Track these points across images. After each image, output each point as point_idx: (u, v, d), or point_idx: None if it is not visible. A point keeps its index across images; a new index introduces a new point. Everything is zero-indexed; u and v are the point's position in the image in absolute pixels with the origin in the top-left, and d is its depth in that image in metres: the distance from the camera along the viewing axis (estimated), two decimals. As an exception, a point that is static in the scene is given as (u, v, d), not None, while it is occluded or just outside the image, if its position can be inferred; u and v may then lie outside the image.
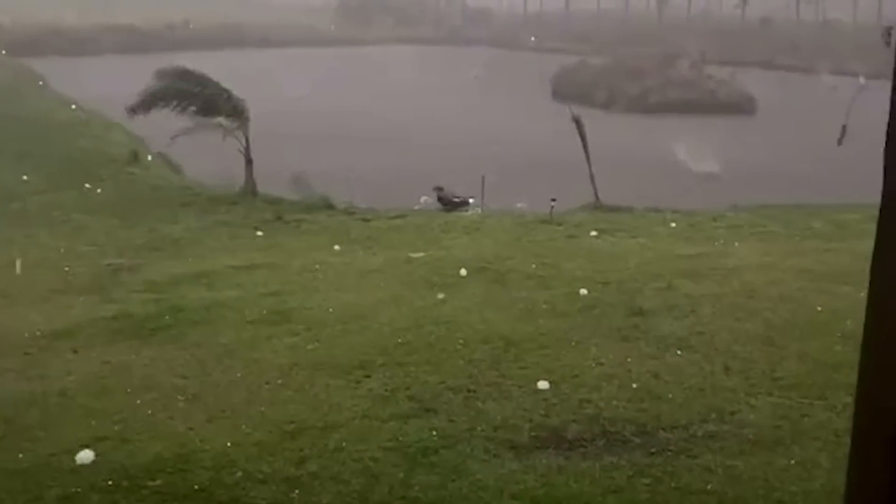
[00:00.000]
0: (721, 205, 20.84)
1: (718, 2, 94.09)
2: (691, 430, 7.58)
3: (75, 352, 9.99)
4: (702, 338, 9.75)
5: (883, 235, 3.44)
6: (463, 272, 12.88)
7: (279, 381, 8.81)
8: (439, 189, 22.05)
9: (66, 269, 14.63)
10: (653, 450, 7.26)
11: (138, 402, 8.39)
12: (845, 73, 46.73)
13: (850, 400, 7.90)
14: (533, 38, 78.07)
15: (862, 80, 26.01)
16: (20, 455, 7.36)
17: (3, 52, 58.18)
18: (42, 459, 7.29)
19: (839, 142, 20.36)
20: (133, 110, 22.61)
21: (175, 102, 22.02)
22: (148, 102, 22.23)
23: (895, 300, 3.30)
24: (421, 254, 14.65)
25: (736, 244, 15.73)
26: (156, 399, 8.46)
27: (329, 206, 20.59)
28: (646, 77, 49.27)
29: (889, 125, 3.35)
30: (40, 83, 46.18)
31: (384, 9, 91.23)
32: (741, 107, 45.63)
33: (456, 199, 21.97)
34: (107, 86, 35.95)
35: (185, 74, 22.84)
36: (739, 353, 9.27)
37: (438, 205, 21.89)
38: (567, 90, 46.98)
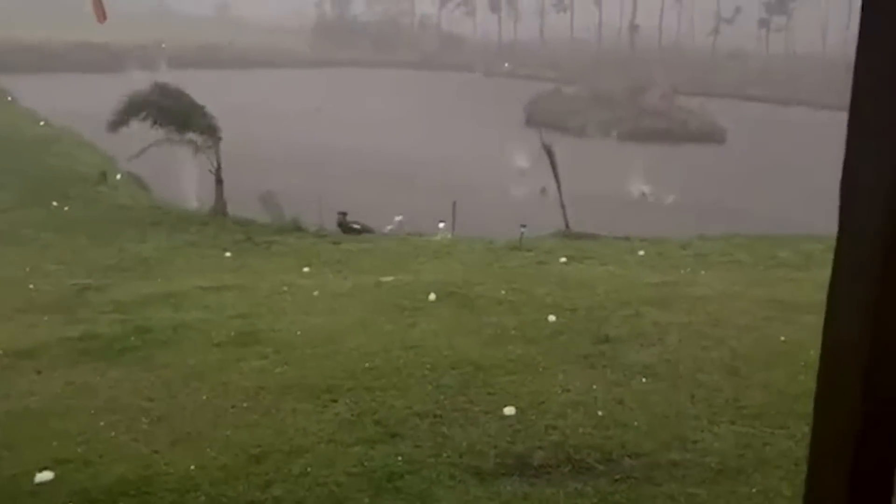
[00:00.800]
0: (689, 233, 21.08)
1: (690, 33, 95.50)
2: (655, 457, 7.63)
3: (39, 372, 9.86)
4: (668, 366, 9.83)
5: (838, 265, 3.54)
6: (432, 297, 12.91)
7: (245, 405, 8.75)
8: (342, 214, 21.36)
9: (32, 287, 14.47)
10: (617, 477, 7.29)
11: (102, 423, 8.29)
12: (814, 105, 47.58)
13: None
14: (507, 65, 78.76)
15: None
16: (-21, 476, 7.25)
17: (-27, 67, 57.75)
18: (2, 480, 7.18)
19: None
20: (114, 125, 22.46)
21: (149, 114, 21.93)
22: (126, 115, 22.13)
23: (847, 332, 3.40)
24: (390, 278, 14.66)
25: (703, 273, 15.91)
26: (120, 421, 8.37)
27: (299, 228, 20.59)
28: (618, 106, 49.92)
29: (845, 160, 3.46)
30: (9, 99, 45.82)
31: (360, 32, 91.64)
32: (711, 136, 46.37)
33: (356, 227, 21.20)
34: (77, 103, 35.78)
35: (160, 88, 22.80)
36: (704, 382, 9.35)
37: (406, 228, 21.90)
38: (540, 117, 47.47)
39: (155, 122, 21.85)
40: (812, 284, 13.02)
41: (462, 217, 21.68)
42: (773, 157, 38.25)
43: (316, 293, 13.55)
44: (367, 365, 9.84)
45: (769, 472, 7.37)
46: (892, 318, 3.35)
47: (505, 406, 8.61)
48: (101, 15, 5.02)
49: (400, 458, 7.57)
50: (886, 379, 3.42)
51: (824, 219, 3.52)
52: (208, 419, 8.44)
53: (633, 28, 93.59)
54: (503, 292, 13.48)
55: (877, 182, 3.29)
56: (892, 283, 3.31)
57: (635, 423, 8.31)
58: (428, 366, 9.80)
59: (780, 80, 68.09)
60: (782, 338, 10.84)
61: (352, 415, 8.52)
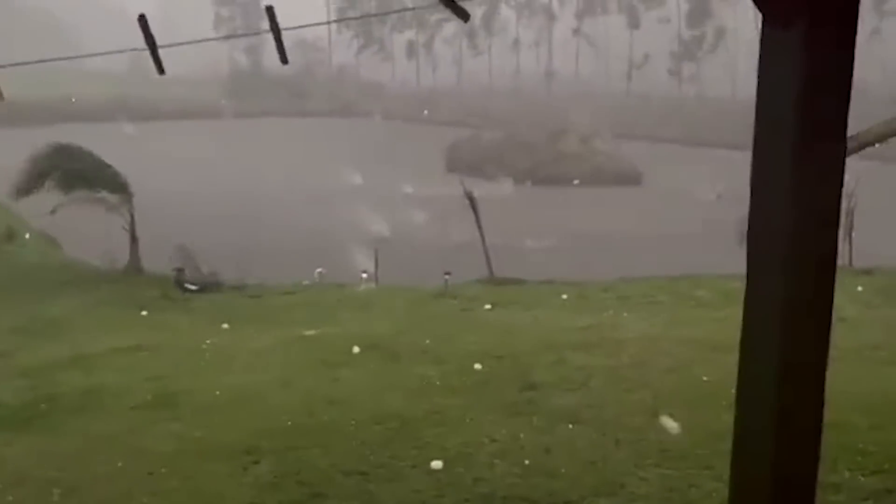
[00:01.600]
0: (610, 276, 21.32)
1: (605, 77, 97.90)
2: (583, 504, 7.58)
3: (-60, 446, 9.35)
4: (592, 410, 9.84)
5: (748, 301, 3.62)
6: (356, 350, 12.74)
7: (163, 470, 8.43)
8: (179, 271, 20.22)
9: (-66, 354, 13.78)
10: (547, 527, 7.21)
11: (10, 498, 7.89)
12: (727, 146, 49.08)
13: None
14: (426, 112, 79.40)
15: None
16: None
17: None
18: None
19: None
20: (18, 194, 21.77)
21: (55, 177, 21.28)
22: (31, 181, 21.45)
23: (760, 368, 3.47)
24: (313, 331, 14.43)
25: (625, 314, 16.06)
26: (28, 494, 7.99)
27: (217, 283, 20.13)
28: (536, 150, 50.69)
29: (750, 202, 3.53)
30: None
31: (276, 82, 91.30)
32: (628, 178, 47.38)
33: (191, 287, 19.83)
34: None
35: (63, 150, 22.14)
36: (629, 425, 9.37)
37: (326, 279, 21.55)
38: (460, 163, 47.85)
39: (62, 184, 21.22)
40: (732, 323, 13.18)
41: (385, 266, 21.54)
42: (689, 195, 39.18)
43: (235, 351, 13.24)
44: (289, 423, 9.61)
45: (694, 514, 7.38)
46: (799, 350, 3.42)
47: (432, 459, 8.47)
48: None
49: (325, 519, 7.36)
50: (799, 413, 3.46)
51: (743, 257, 3.53)
52: (123, 488, 8.10)
53: (550, 74, 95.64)
54: (428, 342, 13.38)
55: (778, 223, 3.35)
56: (799, 314, 3.38)
57: (562, 470, 8.26)
58: (352, 421, 9.61)
59: (693, 122, 70.28)
60: (704, 378, 10.96)
61: (274, 476, 8.27)
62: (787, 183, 3.29)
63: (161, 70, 4.56)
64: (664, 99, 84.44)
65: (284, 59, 5.07)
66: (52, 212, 20.99)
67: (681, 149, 59.63)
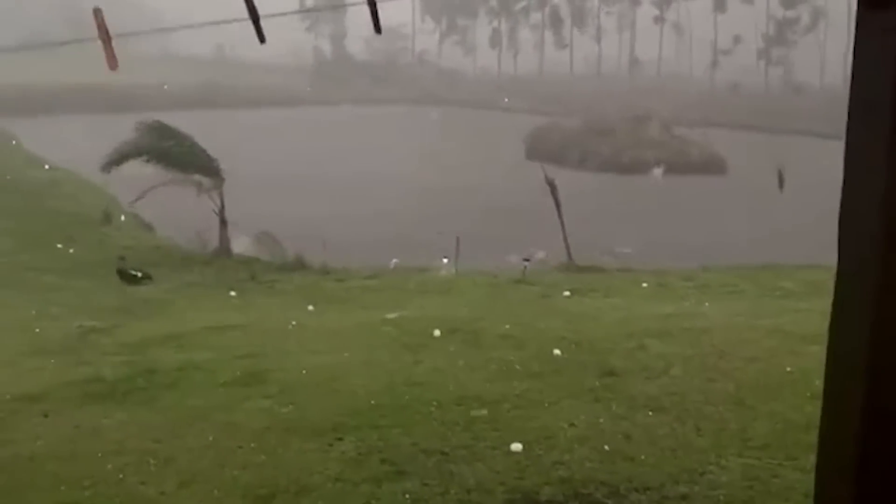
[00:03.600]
0: (691, 265, 21.11)
1: (688, 66, 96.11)
2: (663, 491, 7.60)
3: (46, 415, 9.86)
4: (673, 398, 9.82)
5: (839, 293, 3.57)
6: (437, 333, 12.92)
7: (252, 445, 8.74)
8: (121, 259, 20.23)
9: (37, 331, 14.51)
10: (625, 511, 7.27)
11: (109, 466, 8.27)
12: (811, 134, 47.78)
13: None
14: (506, 100, 79.24)
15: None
16: (-14, 522, 7.25)
17: (-24, 112, 58.28)
18: (10, 526, 7.18)
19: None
20: (108, 165, 22.60)
21: (150, 157, 22.03)
22: (122, 156, 22.23)
23: (851, 363, 3.44)
24: (395, 314, 14.69)
25: (706, 304, 15.92)
26: (127, 463, 8.35)
27: (303, 266, 20.64)
28: (617, 138, 50.15)
29: (842, 191, 3.49)
30: (13, 143, 46.16)
31: (359, 70, 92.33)
32: (712, 167, 46.49)
33: (134, 274, 19.77)
34: (80, 145, 36.03)
35: (160, 129, 22.92)
36: (710, 414, 9.34)
37: (411, 264, 21.91)
38: (540, 150, 47.69)
39: (156, 164, 21.94)
40: (818, 314, 12.97)
41: (465, 251, 21.74)
42: (774, 187, 38.34)
43: (320, 332, 13.58)
44: (372, 402, 9.84)
45: (778, 504, 7.35)
46: (891, 342, 3.39)
47: (512, 442, 8.59)
48: (113, 63, 5.10)
49: (408, 496, 7.55)
50: (888, 402, 3.44)
51: (829, 248, 3.56)
52: (215, 460, 8.42)
53: (632, 61, 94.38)
54: (507, 327, 13.50)
55: (872, 211, 3.35)
56: (890, 308, 3.36)
57: (642, 457, 8.29)
58: (434, 403, 9.79)
59: (779, 111, 68.50)
60: (788, 368, 10.83)
61: (358, 453, 8.50)
62: (882, 170, 3.25)
63: (262, 39, 4.75)
64: (751, 85, 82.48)
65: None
66: (145, 193, 21.71)
67: (769, 137, 58.21)
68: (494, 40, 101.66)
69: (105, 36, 5.07)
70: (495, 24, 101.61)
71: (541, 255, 20.83)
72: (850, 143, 3.66)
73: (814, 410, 9.05)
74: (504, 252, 21.67)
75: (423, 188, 36.59)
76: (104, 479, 8.01)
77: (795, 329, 12.78)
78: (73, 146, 38.16)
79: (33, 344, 13.67)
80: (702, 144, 49.52)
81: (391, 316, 14.54)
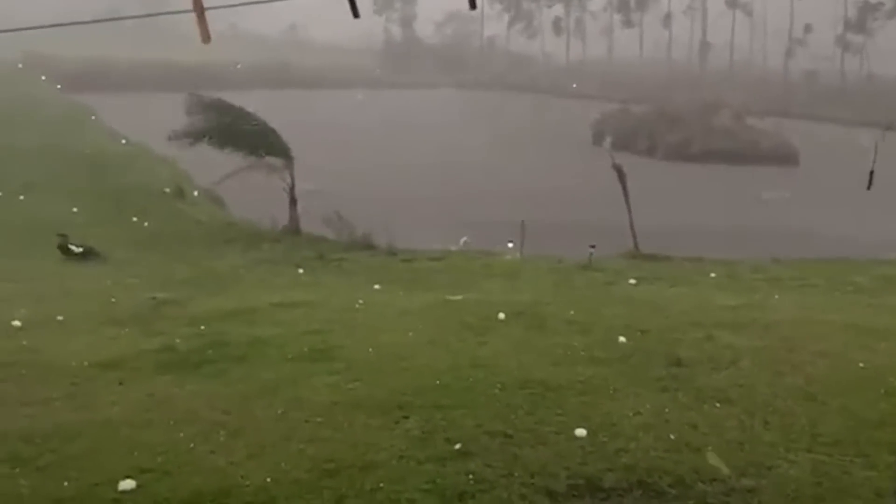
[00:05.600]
0: (762, 256, 20.74)
1: (762, 53, 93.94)
2: (730, 483, 7.53)
3: (121, 383, 10.17)
4: (741, 390, 9.69)
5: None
6: (501, 316, 12.93)
7: (319, 419, 8.88)
8: (62, 236, 19.73)
9: (113, 301, 14.92)
10: (690, 502, 7.22)
11: (181, 435, 8.49)
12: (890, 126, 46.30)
13: (893, 459, 7.84)
14: (574, 85, 78.51)
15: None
16: (65, 483, 7.48)
17: (58, 86, 59.86)
18: (86, 489, 7.40)
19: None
20: (180, 141, 22.90)
21: (221, 135, 22.35)
22: (195, 133, 22.57)
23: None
24: (459, 296, 14.74)
25: (776, 297, 15.63)
26: (198, 433, 8.56)
27: (370, 246, 20.83)
28: (687, 125, 49.32)
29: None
30: (92, 118, 47.34)
31: (428, 53, 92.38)
32: (784, 158, 45.45)
33: (75, 250, 19.44)
34: (155, 121, 36.76)
35: (229, 109, 23.19)
36: (779, 408, 9.20)
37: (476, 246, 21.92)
38: (608, 136, 47.17)
39: (227, 142, 22.28)
40: (890, 310, 12.70)
41: (530, 236, 21.67)
42: (848, 179, 37.40)
43: (386, 311, 13.70)
44: (437, 382, 9.91)
45: (848, 501, 7.22)
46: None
47: (576, 427, 8.58)
48: (206, 36, 5.22)
49: (471, 476, 7.60)
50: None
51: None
52: (283, 433, 8.58)
53: (703, 47, 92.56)
54: (572, 313, 13.44)
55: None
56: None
57: (708, 448, 8.21)
58: (498, 385, 9.82)
59: (855, 101, 66.61)
60: (861, 364, 10.60)
61: (422, 432, 8.58)
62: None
63: (356, 14, 4.87)
64: (827, 74, 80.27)
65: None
66: (227, 177, 22.03)
67: (844, 129, 56.68)
68: (561, 25, 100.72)
69: (199, 9, 5.19)
70: (562, 8, 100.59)
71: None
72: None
73: (888, 408, 8.88)
74: (569, 237, 21.56)
75: (489, 172, 36.55)
76: (175, 447, 8.22)
77: (868, 324, 12.49)
78: (147, 122, 38.98)
79: (109, 314, 14.05)
80: (773, 134, 48.44)
81: (456, 298, 14.59)
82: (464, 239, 22.11)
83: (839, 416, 8.96)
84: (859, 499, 7.26)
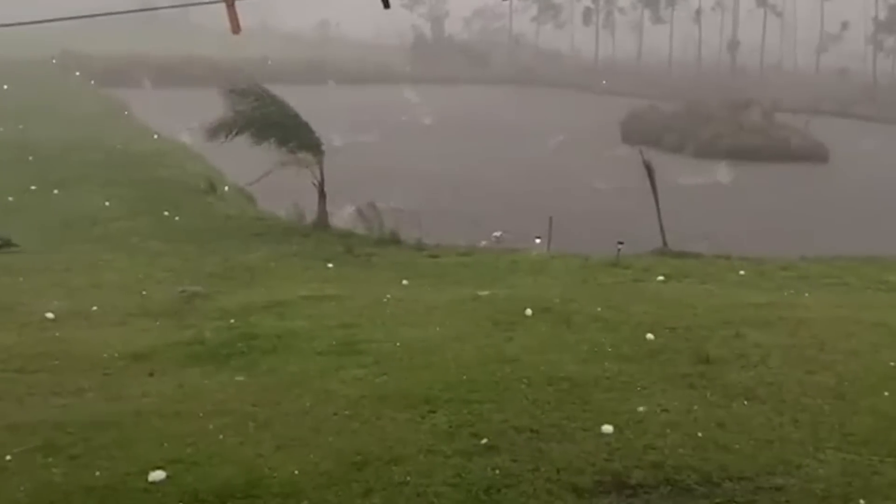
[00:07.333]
0: (791, 254, 20.56)
1: (792, 51, 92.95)
2: (757, 482, 7.49)
3: (151, 374, 10.30)
4: (770, 388, 9.64)
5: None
6: (528, 312, 12.94)
7: (347, 413, 8.95)
8: None
9: (144, 293, 15.10)
10: (717, 500, 7.20)
11: (210, 426, 8.59)
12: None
13: (923, 459, 7.77)
14: (604, 82, 78.11)
15: None
16: (97, 473, 7.59)
17: (92, 82, 60.52)
18: (117, 478, 7.51)
19: None
20: (213, 133, 23.02)
21: (253, 130, 22.43)
22: (226, 128, 22.66)
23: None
24: (487, 292, 14.75)
25: (806, 295, 15.50)
26: (227, 424, 8.65)
27: (398, 241, 20.90)
28: (717, 122, 48.95)
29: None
30: (125, 113, 47.82)
31: (458, 48, 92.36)
32: (814, 155, 45.00)
33: None
34: (186, 117, 37.06)
35: (267, 104, 23.22)
36: (808, 406, 9.14)
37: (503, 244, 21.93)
38: (637, 134, 46.95)
39: (259, 136, 22.38)
40: (923, 309, 12.54)
41: (558, 233, 21.63)
42: (878, 177, 36.98)
43: (414, 306, 13.75)
44: (464, 377, 9.94)
45: (878, 501, 7.17)
46: None
47: (602, 423, 8.58)
48: (237, 27, 5.31)
49: (497, 471, 7.63)
50: None
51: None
52: (311, 426, 8.66)
53: (733, 45, 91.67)
54: (599, 309, 13.42)
55: None
56: None
57: (736, 446, 8.18)
58: (524, 380, 9.84)
59: (886, 100, 65.77)
60: (891, 363, 10.51)
61: (450, 426, 8.62)
62: None
63: (387, 4, 4.97)
64: (858, 73, 79.31)
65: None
66: (264, 176, 22.07)
67: (876, 127, 55.96)
68: (591, 20, 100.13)
69: (230, 0, 5.27)
70: (591, 3, 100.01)
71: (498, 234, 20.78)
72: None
73: (920, 407, 8.78)
74: (598, 234, 21.51)
75: (517, 168, 36.50)
76: (205, 438, 8.32)
77: (901, 324, 12.35)
78: (179, 118, 39.30)
79: (140, 306, 14.23)
80: (804, 132, 47.96)
81: (483, 293, 14.61)
82: (496, 233, 22.13)
83: (869, 416, 8.89)
84: (889, 499, 7.20)
